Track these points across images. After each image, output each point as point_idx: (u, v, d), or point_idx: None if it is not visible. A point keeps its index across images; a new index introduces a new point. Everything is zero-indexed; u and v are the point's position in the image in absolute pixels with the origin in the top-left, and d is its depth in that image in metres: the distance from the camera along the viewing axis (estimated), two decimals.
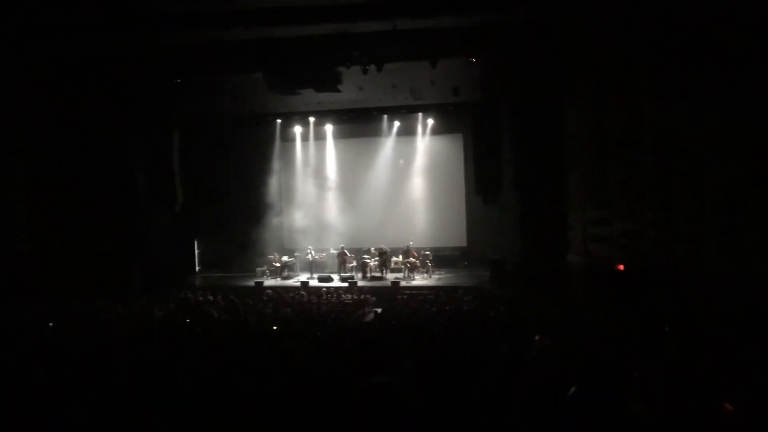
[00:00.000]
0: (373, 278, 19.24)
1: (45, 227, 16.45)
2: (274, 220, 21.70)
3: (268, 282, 19.17)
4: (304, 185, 22.56)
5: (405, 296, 16.05)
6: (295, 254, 21.00)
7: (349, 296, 15.87)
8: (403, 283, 18.15)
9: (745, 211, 8.99)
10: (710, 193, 9.71)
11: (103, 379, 4.51)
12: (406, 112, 20.50)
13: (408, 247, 19.38)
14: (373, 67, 15.59)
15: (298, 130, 22.22)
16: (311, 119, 21.41)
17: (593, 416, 2.32)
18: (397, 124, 21.38)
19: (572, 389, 2.47)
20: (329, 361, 4.91)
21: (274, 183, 22.19)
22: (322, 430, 3.08)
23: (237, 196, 21.54)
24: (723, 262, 9.35)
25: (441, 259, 20.61)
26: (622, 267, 12.67)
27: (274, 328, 10.30)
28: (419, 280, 18.87)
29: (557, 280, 14.71)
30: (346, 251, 19.90)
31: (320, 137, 22.25)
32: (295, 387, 3.79)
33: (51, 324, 10.68)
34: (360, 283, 18.29)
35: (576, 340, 6.93)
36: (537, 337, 6.76)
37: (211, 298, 15.21)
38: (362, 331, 9.35)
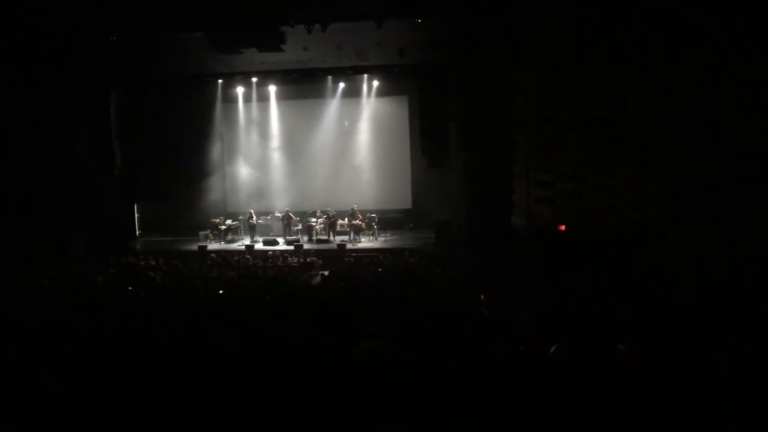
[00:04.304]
0: (319, 241, 19.20)
1: None
2: (217, 183, 21.33)
3: (212, 246, 18.92)
4: (247, 147, 22.17)
5: (351, 258, 16.08)
6: (239, 217, 20.71)
7: (295, 259, 15.81)
8: (349, 246, 18.18)
9: (690, 177, 9.29)
10: (656, 158, 9.98)
11: (45, 350, 4.39)
12: (351, 73, 20.21)
13: (353, 209, 19.35)
14: (317, 27, 15.28)
15: (240, 90, 21.66)
16: (254, 80, 20.81)
17: (579, 370, 2.38)
18: (341, 85, 21.11)
19: (553, 347, 2.52)
20: (295, 327, 4.86)
21: (216, 145, 21.77)
22: (320, 397, 3.02)
23: (178, 159, 20.88)
24: (667, 226, 9.67)
25: (386, 221, 20.68)
26: (563, 227, 12.98)
27: (221, 292, 10.19)
28: (365, 243, 18.94)
29: (501, 242, 14.96)
30: (291, 214, 19.77)
31: (263, 98, 21.78)
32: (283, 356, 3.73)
33: None
34: (306, 246, 18.23)
35: (522, 301, 7.09)
36: (482, 297, 6.90)
37: (152, 262, 14.96)
38: (313, 294, 9.32)
